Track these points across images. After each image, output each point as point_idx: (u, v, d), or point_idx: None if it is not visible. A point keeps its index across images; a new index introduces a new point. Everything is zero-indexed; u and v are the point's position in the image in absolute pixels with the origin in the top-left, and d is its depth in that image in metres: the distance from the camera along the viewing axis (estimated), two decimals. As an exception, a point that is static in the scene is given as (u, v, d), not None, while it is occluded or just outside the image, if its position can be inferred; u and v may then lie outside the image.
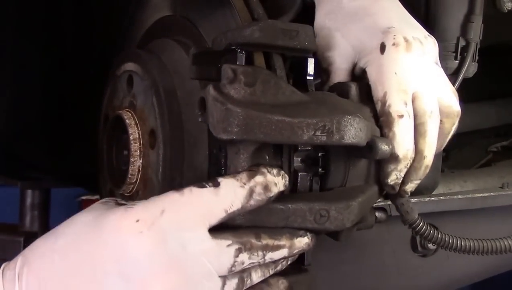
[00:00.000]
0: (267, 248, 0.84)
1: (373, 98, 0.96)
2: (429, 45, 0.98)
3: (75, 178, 2.00)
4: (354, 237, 1.22)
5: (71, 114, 1.72)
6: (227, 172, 0.86)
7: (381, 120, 0.94)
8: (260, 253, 0.83)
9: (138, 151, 1.08)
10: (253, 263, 0.83)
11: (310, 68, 0.93)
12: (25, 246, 2.56)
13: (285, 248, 0.86)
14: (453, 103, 0.99)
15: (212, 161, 0.97)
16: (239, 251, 0.81)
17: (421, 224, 1.02)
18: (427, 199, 1.22)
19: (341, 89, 0.96)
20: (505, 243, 1.06)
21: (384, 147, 0.88)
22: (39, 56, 1.71)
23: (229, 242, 0.81)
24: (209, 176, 0.97)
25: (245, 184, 0.82)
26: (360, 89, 0.96)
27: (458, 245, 1.04)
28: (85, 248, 0.79)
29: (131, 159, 1.08)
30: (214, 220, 0.80)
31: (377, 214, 1.04)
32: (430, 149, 0.96)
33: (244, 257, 0.82)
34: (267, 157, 0.87)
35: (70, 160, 1.80)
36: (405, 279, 1.34)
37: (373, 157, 0.90)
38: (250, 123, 0.79)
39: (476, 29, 1.12)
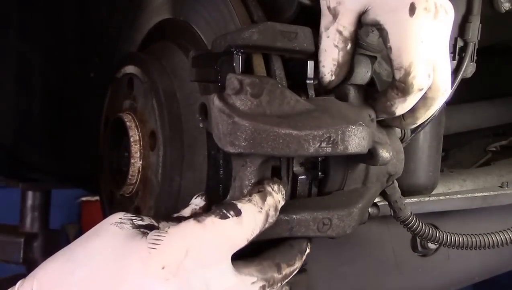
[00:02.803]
0: (285, 278, 0.85)
1: (392, 62, 0.90)
2: (450, 16, 0.92)
3: (75, 179, 2.00)
4: (354, 237, 1.23)
5: (71, 117, 1.73)
6: (232, 182, 0.86)
7: (398, 85, 0.90)
8: (279, 284, 0.84)
9: (138, 153, 1.09)
10: None
11: (310, 72, 0.92)
12: (25, 247, 2.58)
13: (297, 269, 0.87)
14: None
15: (210, 162, 0.97)
16: (262, 288, 0.81)
17: (413, 221, 1.03)
18: (426, 198, 1.22)
19: (339, 92, 0.96)
20: (498, 237, 1.07)
21: (385, 154, 0.89)
22: (41, 60, 1.71)
23: (254, 279, 0.80)
24: (208, 177, 0.97)
25: (261, 208, 0.81)
26: (359, 91, 0.96)
27: (450, 240, 1.05)
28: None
29: (131, 160, 1.09)
30: (236, 249, 0.79)
31: (370, 210, 1.05)
32: (425, 118, 0.97)
33: None
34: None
35: (71, 161, 1.81)
36: (405, 279, 1.34)
37: (374, 164, 0.90)
38: (258, 137, 0.79)
39: (474, 29, 1.12)
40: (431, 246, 1.31)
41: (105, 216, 1.24)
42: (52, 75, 1.74)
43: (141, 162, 1.09)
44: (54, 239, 2.87)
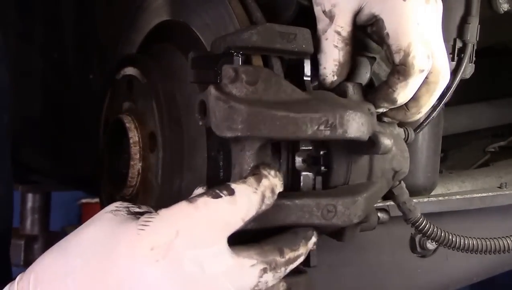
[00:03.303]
0: (289, 262, 0.82)
1: (390, 48, 0.91)
2: (439, 5, 0.94)
3: (75, 181, 2.01)
4: (353, 238, 1.23)
5: (71, 118, 1.73)
6: (232, 170, 0.85)
7: (399, 68, 0.90)
8: (283, 269, 0.81)
9: (138, 154, 1.09)
10: (275, 279, 0.80)
11: (307, 69, 0.93)
12: (26, 249, 2.57)
13: (302, 256, 0.84)
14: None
15: (210, 163, 0.97)
16: (263, 271, 0.78)
17: (424, 222, 1.03)
18: (425, 199, 1.22)
19: (338, 89, 0.96)
20: (507, 242, 1.07)
21: (386, 142, 0.88)
22: (40, 62, 1.71)
23: (254, 262, 0.78)
24: (208, 178, 0.97)
25: (256, 189, 0.79)
26: (357, 89, 0.96)
27: (461, 243, 1.04)
28: (98, 275, 0.74)
29: (131, 162, 1.09)
30: (231, 230, 0.77)
31: (379, 214, 1.04)
32: (429, 106, 0.97)
33: (269, 277, 0.79)
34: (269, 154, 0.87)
35: (70, 163, 1.81)
36: (404, 280, 1.34)
37: (375, 152, 0.89)
38: (254, 120, 0.79)
39: (473, 30, 1.12)
40: (430, 246, 1.31)
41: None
42: (51, 76, 1.74)
43: (140, 164, 1.09)
44: (55, 241, 2.87)
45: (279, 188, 0.83)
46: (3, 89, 1.21)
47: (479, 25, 1.13)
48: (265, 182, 0.80)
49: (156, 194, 1.07)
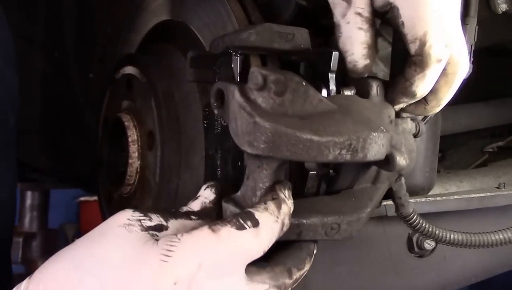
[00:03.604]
0: (295, 282, 0.82)
1: (405, 37, 0.86)
2: None
3: (74, 179, 2.01)
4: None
5: (70, 117, 1.73)
6: (245, 181, 0.83)
7: (415, 59, 0.86)
8: (290, 289, 0.82)
9: (137, 153, 1.09)
10: None
11: (334, 64, 0.87)
12: (24, 247, 2.56)
13: (306, 272, 0.85)
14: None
15: (208, 162, 0.98)
16: None
17: (414, 217, 1.03)
18: (423, 199, 1.22)
19: (362, 88, 0.92)
20: (496, 236, 1.07)
21: (402, 162, 0.85)
22: (40, 60, 1.72)
23: (266, 286, 0.78)
24: (206, 177, 0.98)
25: (277, 217, 0.77)
26: (380, 87, 0.93)
27: (449, 238, 1.05)
28: None
29: (130, 160, 1.09)
30: (251, 260, 0.76)
31: None
32: (448, 99, 0.93)
33: None
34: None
35: (70, 161, 1.81)
36: (402, 280, 1.34)
37: (389, 170, 0.87)
38: (278, 141, 0.75)
39: (471, 31, 1.12)
40: (428, 247, 1.31)
41: (103, 216, 1.25)
42: (52, 76, 1.74)
43: (139, 162, 1.10)
44: (53, 239, 2.89)
45: (292, 209, 0.81)
46: (12, 93, 1.22)
47: (477, 26, 1.13)
48: (284, 209, 0.79)
49: (154, 192, 1.07)
